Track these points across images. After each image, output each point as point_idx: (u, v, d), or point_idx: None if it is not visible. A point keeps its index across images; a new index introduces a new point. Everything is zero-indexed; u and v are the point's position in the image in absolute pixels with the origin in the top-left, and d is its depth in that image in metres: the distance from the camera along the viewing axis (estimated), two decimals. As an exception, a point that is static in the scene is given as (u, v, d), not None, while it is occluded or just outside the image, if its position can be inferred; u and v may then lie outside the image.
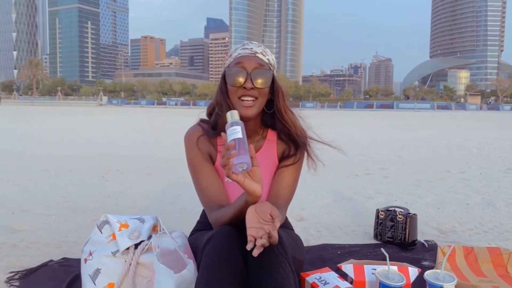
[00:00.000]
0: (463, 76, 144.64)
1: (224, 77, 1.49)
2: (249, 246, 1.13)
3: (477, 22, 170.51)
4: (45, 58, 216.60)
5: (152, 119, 21.41)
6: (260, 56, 1.44)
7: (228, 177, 1.19)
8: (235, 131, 1.23)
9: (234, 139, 1.21)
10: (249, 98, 1.42)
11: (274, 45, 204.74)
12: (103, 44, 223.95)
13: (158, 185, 4.19)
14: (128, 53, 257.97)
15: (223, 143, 1.54)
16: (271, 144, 1.57)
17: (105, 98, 78.18)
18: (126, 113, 30.50)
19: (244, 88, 1.41)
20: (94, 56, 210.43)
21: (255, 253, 1.12)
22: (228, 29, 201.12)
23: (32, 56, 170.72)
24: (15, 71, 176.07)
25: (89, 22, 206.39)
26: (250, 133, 1.55)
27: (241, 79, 1.41)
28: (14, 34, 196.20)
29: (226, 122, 1.46)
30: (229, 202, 1.50)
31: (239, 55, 1.44)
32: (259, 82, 1.41)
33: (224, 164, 1.18)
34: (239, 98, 1.43)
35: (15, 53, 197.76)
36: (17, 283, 1.81)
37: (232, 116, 1.27)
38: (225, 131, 1.52)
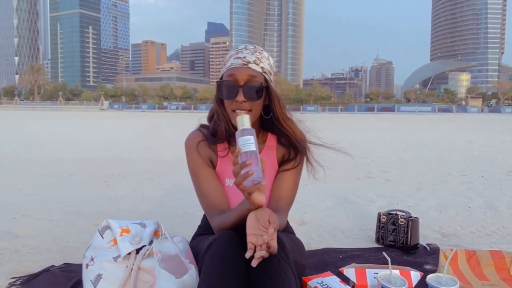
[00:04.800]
0: (464, 79, 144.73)
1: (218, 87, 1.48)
2: (248, 254, 1.14)
3: (478, 24, 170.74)
4: (47, 63, 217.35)
5: (153, 124, 21.44)
6: (252, 66, 1.41)
7: (238, 187, 1.20)
8: (248, 142, 1.20)
9: (247, 152, 1.19)
10: (243, 112, 1.41)
11: (275, 49, 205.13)
12: (104, 49, 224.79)
13: (159, 189, 4.19)
14: (129, 57, 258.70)
15: (223, 149, 1.54)
16: (271, 149, 1.57)
17: (106, 103, 78.39)
18: (127, 118, 30.55)
19: (236, 101, 1.41)
20: (95, 61, 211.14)
21: (254, 263, 1.12)
22: (229, 33, 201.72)
23: (33, 62, 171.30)
24: (17, 77, 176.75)
25: (90, 27, 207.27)
26: None
27: (233, 93, 1.41)
28: (16, 40, 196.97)
29: (226, 129, 1.46)
30: (229, 207, 1.50)
31: (231, 66, 1.42)
32: (250, 95, 1.40)
33: (236, 174, 1.19)
34: (233, 110, 1.43)
35: (16, 58, 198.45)
36: (18, 289, 1.81)
37: (243, 122, 1.25)
38: (225, 140, 1.53)
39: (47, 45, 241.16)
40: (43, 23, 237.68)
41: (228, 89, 1.41)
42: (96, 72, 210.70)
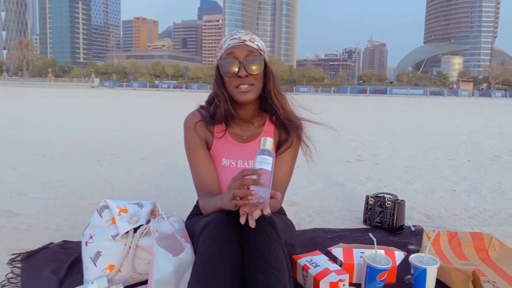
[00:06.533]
0: (457, 62, 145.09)
1: (218, 69, 1.53)
2: (242, 220, 1.21)
3: (472, 7, 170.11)
4: (35, 39, 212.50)
5: (145, 102, 21.28)
6: (249, 43, 1.48)
7: (241, 199, 1.20)
8: (266, 161, 1.20)
9: (263, 169, 1.18)
10: (246, 85, 1.47)
11: (269, 28, 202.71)
12: (94, 25, 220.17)
13: (153, 170, 4.24)
14: (120, 34, 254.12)
15: (220, 130, 1.60)
16: (269, 134, 1.63)
17: (97, 80, 77.26)
18: (119, 96, 30.27)
19: (239, 77, 1.46)
20: (86, 37, 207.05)
21: (252, 224, 1.19)
22: (222, 11, 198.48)
23: (21, 36, 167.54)
24: (5, 52, 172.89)
25: (80, 2, 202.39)
26: (249, 117, 1.61)
27: (235, 69, 1.46)
28: (3, 14, 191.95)
29: (226, 110, 1.51)
30: (219, 188, 1.58)
31: (229, 46, 1.49)
32: (252, 68, 1.46)
33: (240, 186, 1.19)
34: (236, 87, 1.48)
35: (4, 33, 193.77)
36: (19, 265, 1.87)
37: (266, 143, 1.24)
38: (223, 121, 1.58)
39: (36, 20, 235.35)
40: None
41: (229, 67, 1.47)
42: (86, 48, 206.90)
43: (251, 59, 1.46)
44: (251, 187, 1.17)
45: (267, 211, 1.20)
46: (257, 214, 1.20)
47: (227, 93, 1.53)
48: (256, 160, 1.21)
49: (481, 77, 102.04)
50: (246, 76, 1.46)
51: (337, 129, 1.87)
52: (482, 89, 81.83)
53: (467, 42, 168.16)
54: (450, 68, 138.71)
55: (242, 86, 1.47)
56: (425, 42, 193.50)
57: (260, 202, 1.18)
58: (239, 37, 1.48)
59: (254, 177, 1.17)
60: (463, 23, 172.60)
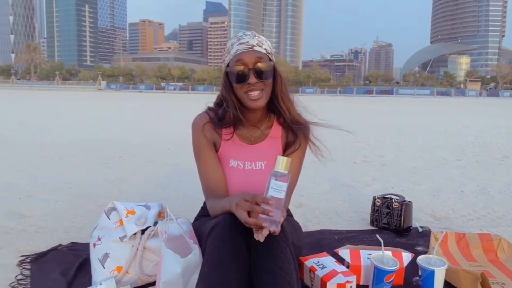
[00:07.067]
0: (464, 62, 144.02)
1: (226, 75, 1.53)
2: (257, 236, 1.23)
3: (479, 7, 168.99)
4: (43, 42, 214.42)
5: (151, 104, 21.37)
6: (257, 48, 1.47)
7: (250, 221, 1.23)
8: (281, 189, 1.20)
9: (275, 197, 1.20)
10: (256, 92, 1.47)
11: (274, 29, 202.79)
12: (101, 28, 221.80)
13: (160, 172, 4.26)
14: (126, 37, 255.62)
15: (228, 133, 1.60)
16: (276, 139, 1.64)
17: (103, 83, 77.54)
18: (125, 98, 30.42)
19: (249, 83, 1.46)
20: (92, 40, 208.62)
21: (261, 238, 1.21)
22: (228, 13, 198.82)
23: (29, 40, 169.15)
24: (13, 55, 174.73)
25: (86, 6, 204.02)
26: (257, 120, 1.61)
27: (245, 76, 1.46)
28: (11, 18, 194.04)
29: (234, 115, 1.50)
30: (226, 190, 1.58)
31: (237, 52, 1.47)
32: (262, 75, 1.46)
33: (251, 209, 1.23)
34: (246, 93, 1.48)
35: (12, 36, 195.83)
36: (28, 266, 1.89)
37: (283, 164, 1.23)
38: (231, 125, 1.58)
39: (43, 24, 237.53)
40: (38, 0, 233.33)
41: (239, 74, 1.46)
42: (93, 51, 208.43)
43: (261, 65, 1.46)
44: (261, 216, 1.20)
45: (276, 232, 1.23)
46: (265, 232, 1.21)
47: (236, 99, 1.53)
48: (270, 185, 1.21)
49: (488, 76, 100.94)
50: (256, 83, 1.46)
51: (350, 131, 1.86)
52: (490, 88, 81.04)
53: (474, 41, 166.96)
54: (457, 68, 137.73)
55: (252, 93, 1.47)
56: (431, 42, 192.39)
57: (269, 226, 1.21)
58: (247, 42, 1.46)
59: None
60: (470, 22, 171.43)
